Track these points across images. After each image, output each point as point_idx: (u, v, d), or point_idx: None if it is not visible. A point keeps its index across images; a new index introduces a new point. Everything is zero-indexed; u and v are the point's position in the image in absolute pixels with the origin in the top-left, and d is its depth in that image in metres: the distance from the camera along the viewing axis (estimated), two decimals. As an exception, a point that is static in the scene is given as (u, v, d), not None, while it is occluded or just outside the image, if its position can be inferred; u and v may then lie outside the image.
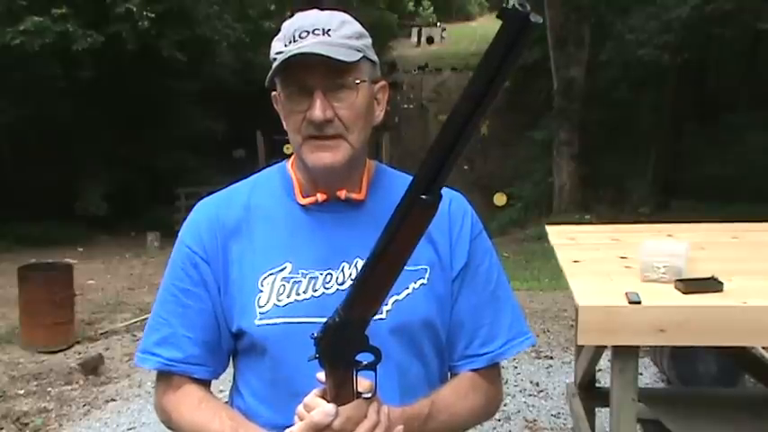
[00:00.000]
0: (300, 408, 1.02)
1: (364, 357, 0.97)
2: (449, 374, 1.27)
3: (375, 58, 1.18)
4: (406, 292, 1.16)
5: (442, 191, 0.84)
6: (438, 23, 40.63)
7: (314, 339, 0.96)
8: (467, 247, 1.23)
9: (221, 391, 1.31)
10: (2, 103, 12.41)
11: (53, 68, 12.70)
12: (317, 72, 1.09)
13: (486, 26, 37.71)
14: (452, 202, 1.25)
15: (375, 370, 0.98)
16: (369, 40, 1.17)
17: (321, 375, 1.00)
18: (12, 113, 12.63)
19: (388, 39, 29.21)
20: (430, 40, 36.69)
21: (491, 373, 1.26)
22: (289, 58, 1.08)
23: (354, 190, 1.20)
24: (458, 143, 0.79)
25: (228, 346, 1.22)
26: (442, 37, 37.72)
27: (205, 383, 1.23)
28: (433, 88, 26.60)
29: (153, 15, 12.33)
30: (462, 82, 27.17)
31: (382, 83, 1.20)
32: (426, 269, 1.19)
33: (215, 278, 1.19)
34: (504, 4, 0.70)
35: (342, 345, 0.95)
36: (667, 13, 11.59)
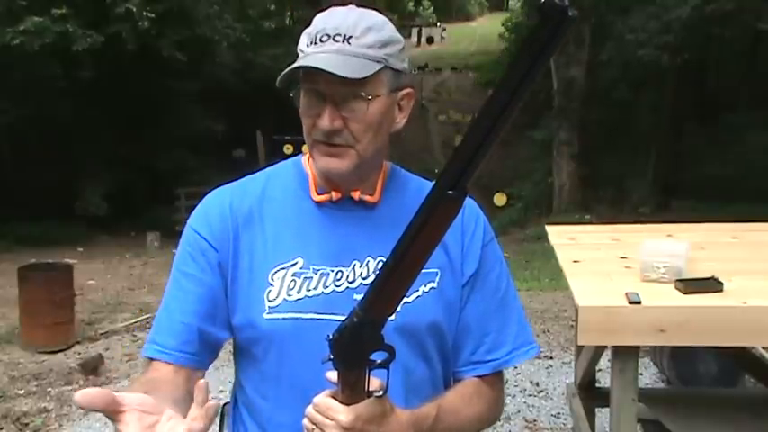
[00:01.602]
0: (310, 409, 1.01)
1: (377, 355, 0.96)
2: (452, 380, 1.27)
3: (401, 65, 1.15)
4: (416, 294, 1.16)
5: (467, 187, 0.83)
6: (438, 23, 40.68)
7: (329, 341, 0.95)
8: (478, 253, 1.22)
9: (221, 390, 1.30)
10: (2, 103, 12.40)
11: (53, 68, 12.69)
12: (329, 81, 1.08)
13: (486, 26, 37.73)
14: (466, 207, 1.23)
15: (388, 368, 0.97)
16: (396, 47, 1.14)
17: (331, 375, 1.00)
18: (12, 113, 12.62)
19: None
20: (430, 40, 36.73)
21: (494, 379, 1.26)
22: (300, 68, 1.08)
23: (368, 192, 1.20)
24: (488, 138, 0.78)
25: (222, 339, 1.20)
26: (442, 37, 37.77)
27: (184, 370, 1.16)
28: (433, 88, 26.61)
29: (153, 15, 12.32)
30: (462, 82, 27.25)
31: (407, 90, 1.17)
32: (437, 272, 1.19)
33: (222, 265, 1.18)
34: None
35: (357, 345, 0.94)
36: (667, 13, 11.59)
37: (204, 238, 1.19)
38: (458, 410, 1.18)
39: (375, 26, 1.12)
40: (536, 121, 16.03)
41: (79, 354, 5.18)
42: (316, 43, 1.10)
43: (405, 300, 1.13)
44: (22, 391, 4.48)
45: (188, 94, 15.94)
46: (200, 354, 1.18)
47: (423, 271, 1.12)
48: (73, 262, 7.23)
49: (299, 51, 1.13)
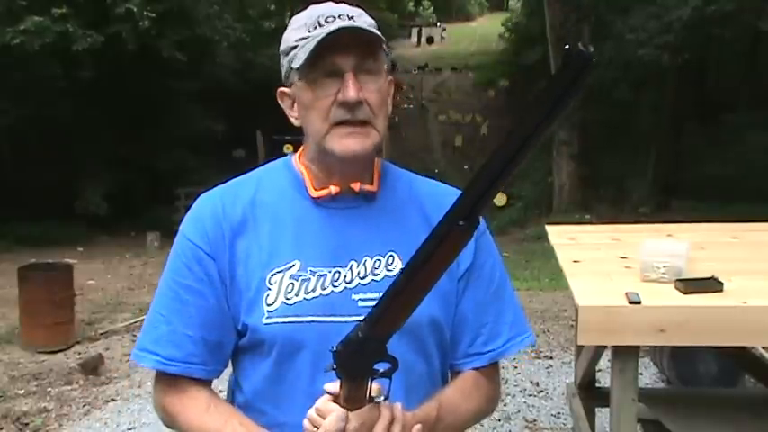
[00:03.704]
0: (312, 412, 1.02)
1: (380, 365, 0.97)
2: (449, 373, 1.28)
3: (387, 51, 1.19)
4: None
5: (479, 219, 0.85)
6: (438, 23, 40.70)
7: (332, 352, 0.96)
8: (473, 246, 1.22)
9: (221, 391, 1.30)
10: (2, 103, 12.39)
11: (53, 68, 12.69)
12: (348, 54, 1.09)
13: (486, 26, 37.75)
14: None
15: (390, 378, 0.98)
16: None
17: (329, 386, 1.01)
18: (12, 113, 12.61)
19: (388, 39, 29.15)
20: (430, 40, 36.73)
21: (492, 371, 1.27)
22: (330, 34, 1.08)
23: (368, 181, 1.20)
24: (503, 172, 0.80)
25: (231, 344, 1.20)
26: (442, 37, 37.77)
27: (207, 384, 1.21)
28: (433, 88, 26.61)
29: (153, 15, 12.33)
30: (462, 82, 27.25)
31: (390, 77, 1.20)
32: None
33: (220, 273, 1.16)
34: (566, 46, 0.73)
35: (361, 358, 0.95)
36: (668, 13, 11.59)
37: (200, 248, 1.17)
38: (457, 407, 1.18)
39: (364, 13, 1.16)
40: (536, 121, 15.99)
41: (79, 354, 5.18)
42: (322, 25, 1.11)
43: None
44: (22, 391, 4.48)
45: (188, 94, 15.95)
46: (210, 362, 1.19)
47: None
48: (73, 262, 7.23)
49: (295, 43, 1.13)
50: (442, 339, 1.22)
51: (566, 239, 2.75)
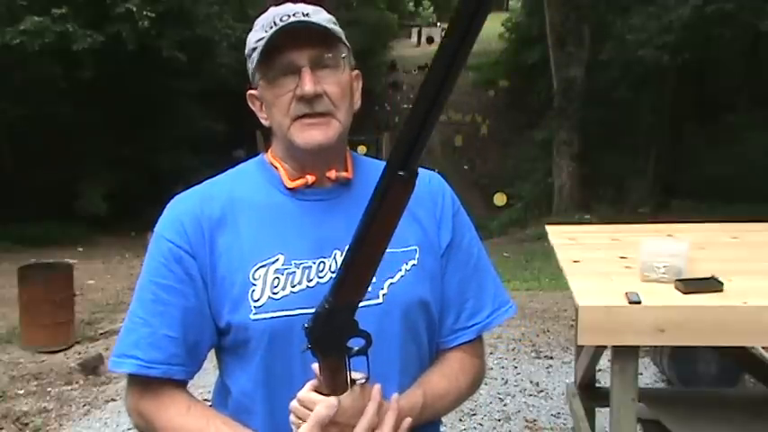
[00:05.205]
0: (295, 403, 1.02)
1: (355, 343, 0.97)
2: (436, 351, 1.29)
3: (348, 45, 1.20)
4: (400, 274, 1.17)
5: (417, 166, 0.85)
6: (438, 23, 40.72)
7: (305, 330, 0.96)
8: (450, 224, 1.25)
9: (202, 388, 1.29)
10: (2, 103, 12.40)
11: (53, 68, 12.70)
12: (303, 49, 1.11)
13: (486, 26, 37.69)
14: (431, 180, 1.28)
15: (367, 355, 0.98)
16: (341, 30, 1.20)
17: (316, 366, 1.01)
18: (12, 113, 12.62)
19: (388, 39, 29.24)
20: (430, 40, 36.74)
21: (477, 346, 1.29)
22: (279, 30, 1.10)
23: (342, 169, 1.22)
24: (429, 116, 0.81)
25: (208, 344, 1.19)
26: (441, 37, 37.82)
27: (183, 385, 1.20)
28: (433, 88, 26.52)
29: (153, 15, 12.34)
30: (462, 82, 27.19)
31: (356, 71, 1.22)
32: (416, 249, 1.20)
33: (201, 273, 1.15)
34: None
35: (332, 332, 0.95)
36: (667, 13, 11.60)
37: (180, 247, 1.16)
38: (444, 394, 1.20)
39: (321, 10, 1.17)
40: (536, 121, 16.03)
41: (79, 354, 5.18)
42: (277, 24, 1.12)
43: (390, 280, 1.16)
44: (22, 391, 4.48)
45: (188, 94, 15.95)
46: (190, 363, 1.18)
47: (402, 250, 1.16)
48: (73, 262, 7.23)
49: (255, 44, 1.14)
50: (432, 321, 1.23)
51: (566, 239, 2.75)
